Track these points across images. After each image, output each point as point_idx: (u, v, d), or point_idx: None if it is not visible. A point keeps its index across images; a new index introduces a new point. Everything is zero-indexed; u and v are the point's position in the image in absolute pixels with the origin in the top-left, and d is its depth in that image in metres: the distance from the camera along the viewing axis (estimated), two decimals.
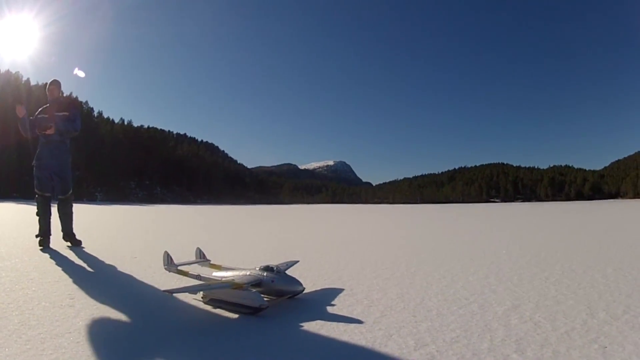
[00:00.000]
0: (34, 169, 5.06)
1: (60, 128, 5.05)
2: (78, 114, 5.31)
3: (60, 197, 5.23)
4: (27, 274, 3.28)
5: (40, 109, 5.18)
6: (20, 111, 4.86)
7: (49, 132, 4.98)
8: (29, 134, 4.98)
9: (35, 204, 5.10)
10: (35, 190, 5.06)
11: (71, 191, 5.34)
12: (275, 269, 2.59)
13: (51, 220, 5.10)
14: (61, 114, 5.13)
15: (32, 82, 70.00)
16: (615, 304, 2.52)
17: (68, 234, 5.24)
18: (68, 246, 5.05)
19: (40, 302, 2.43)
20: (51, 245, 4.93)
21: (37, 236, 5.00)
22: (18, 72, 66.87)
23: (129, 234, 7.54)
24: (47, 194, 5.10)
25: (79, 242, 5.22)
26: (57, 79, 5.26)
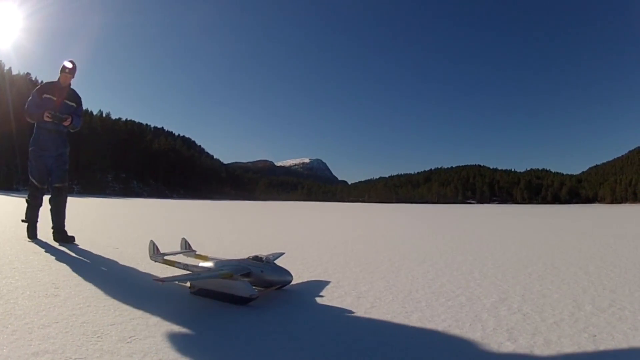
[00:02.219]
0: (33, 156, 4.59)
1: (75, 124, 4.71)
2: (81, 111, 4.94)
3: (56, 185, 4.68)
4: (9, 263, 3.17)
5: (44, 86, 4.66)
6: (47, 117, 4.46)
7: (66, 123, 4.59)
8: (34, 118, 4.52)
9: (28, 193, 4.68)
10: (33, 179, 4.60)
11: (67, 182, 4.82)
12: (264, 259, 2.55)
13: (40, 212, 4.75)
14: (70, 103, 4.74)
15: (14, 72, 68.57)
16: (600, 298, 2.60)
17: (60, 230, 4.63)
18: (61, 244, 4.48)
19: (24, 292, 2.35)
20: (38, 237, 4.67)
21: (24, 221, 4.66)
22: (0, 60, 65.38)
23: (109, 226, 7.35)
24: (44, 186, 4.66)
25: (72, 238, 4.63)
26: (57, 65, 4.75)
